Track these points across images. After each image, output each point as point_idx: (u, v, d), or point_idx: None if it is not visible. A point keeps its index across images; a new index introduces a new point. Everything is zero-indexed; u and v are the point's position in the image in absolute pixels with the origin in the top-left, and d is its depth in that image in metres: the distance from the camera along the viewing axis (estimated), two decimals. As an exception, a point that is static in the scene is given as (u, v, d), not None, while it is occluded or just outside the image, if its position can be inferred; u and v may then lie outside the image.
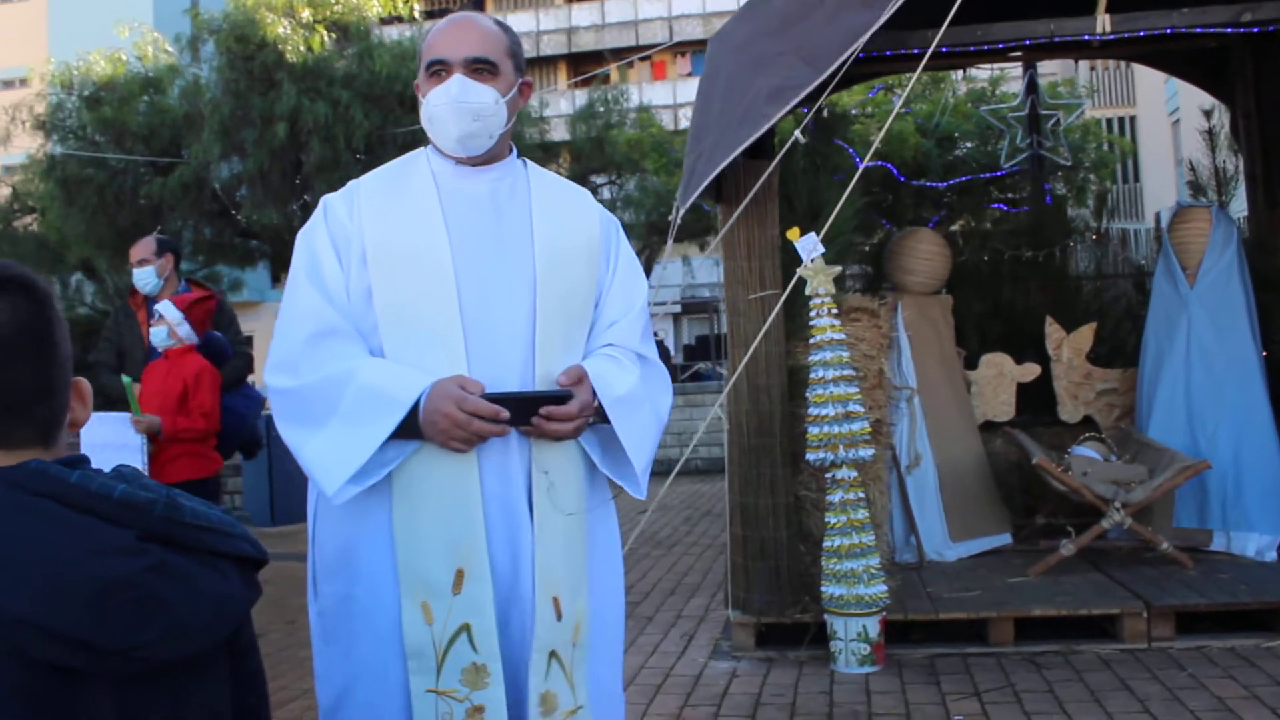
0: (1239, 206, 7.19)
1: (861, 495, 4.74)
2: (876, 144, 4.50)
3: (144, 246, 5.18)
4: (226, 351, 5.38)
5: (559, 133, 21.52)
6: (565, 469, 2.14)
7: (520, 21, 37.48)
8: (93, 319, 17.41)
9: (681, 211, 4.65)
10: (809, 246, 4.75)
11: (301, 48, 14.76)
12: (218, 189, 16.22)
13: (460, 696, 2.00)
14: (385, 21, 16.88)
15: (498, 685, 2.01)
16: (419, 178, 2.19)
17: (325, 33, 15.14)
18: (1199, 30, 5.27)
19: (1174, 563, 5.40)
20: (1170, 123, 24.66)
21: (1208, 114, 7.38)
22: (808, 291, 4.78)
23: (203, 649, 1.27)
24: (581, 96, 23.92)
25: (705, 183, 4.45)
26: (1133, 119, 28.15)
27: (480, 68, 2.14)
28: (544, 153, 20.02)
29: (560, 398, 2.04)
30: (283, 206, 15.69)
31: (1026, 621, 4.88)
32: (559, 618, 2.08)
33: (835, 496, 4.71)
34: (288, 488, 10.83)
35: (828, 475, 4.77)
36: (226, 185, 16.27)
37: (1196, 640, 4.73)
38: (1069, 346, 6.72)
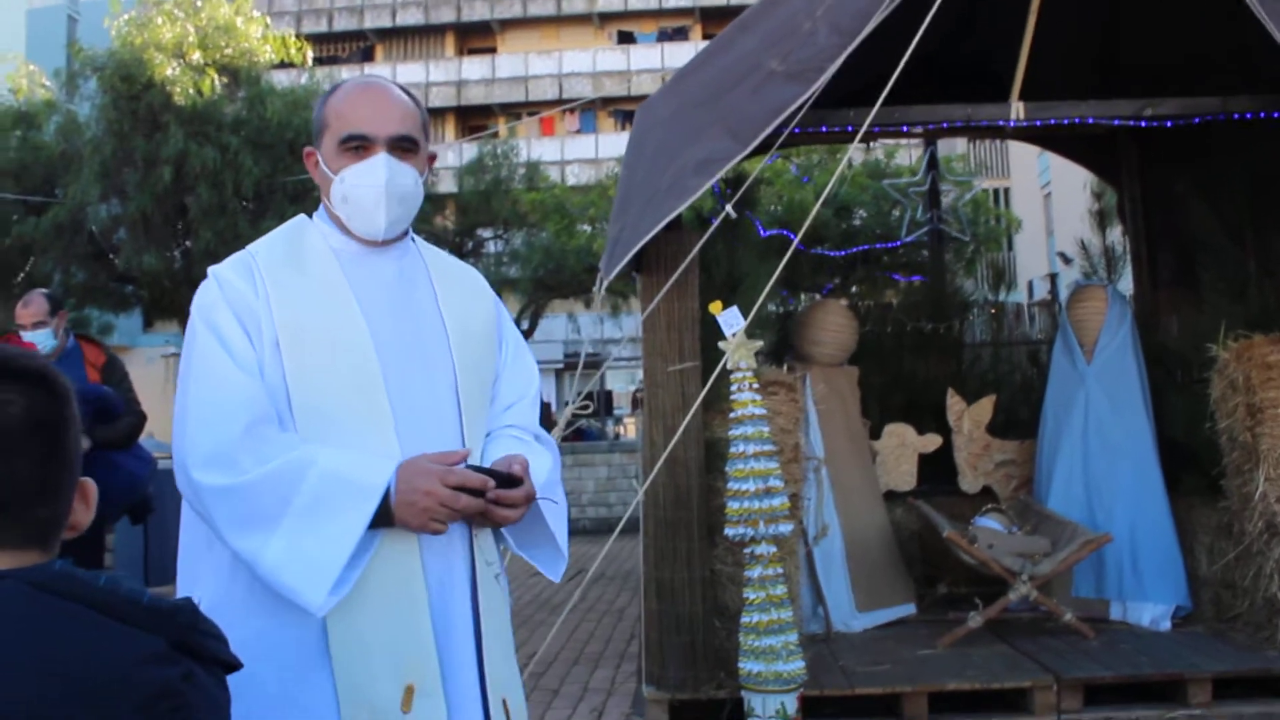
0: (1125, 286, 7.49)
1: (780, 571, 4.70)
2: (808, 223, 4.53)
3: (37, 307, 4.91)
4: (116, 408, 5.14)
5: (445, 185, 21.38)
6: (495, 558, 2.05)
7: (410, 72, 37.33)
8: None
9: (606, 282, 4.61)
10: (731, 320, 4.74)
11: (190, 90, 14.36)
12: (95, 231, 15.62)
13: None
14: (277, 67, 16.57)
15: None
16: (319, 256, 2.00)
17: (216, 76, 14.79)
18: (1093, 120, 5.48)
19: (1076, 633, 5.51)
20: (1042, 195, 25.75)
21: (1098, 195, 7.69)
22: (729, 365, 4.76)
23: None
24: (469, 149, 23.86)
25: (631, 253, 4.42)
26: (1007, 190, 29.34)
27: (404, 147, 2.02)
28: (431, 205, 19.88)
29: (511, 480, 1.92)
30: (164, 252, 15.16)
31: (938, 694, 4.90)
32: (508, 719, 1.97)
33: (754, 572, 4.67)
34: (164, 546, 10.35)
35: (746, 550, 4.72)
36: (104, 228, 15.67)
37: (1102, 712, 4.82)
38: (970, 418, 6.87)
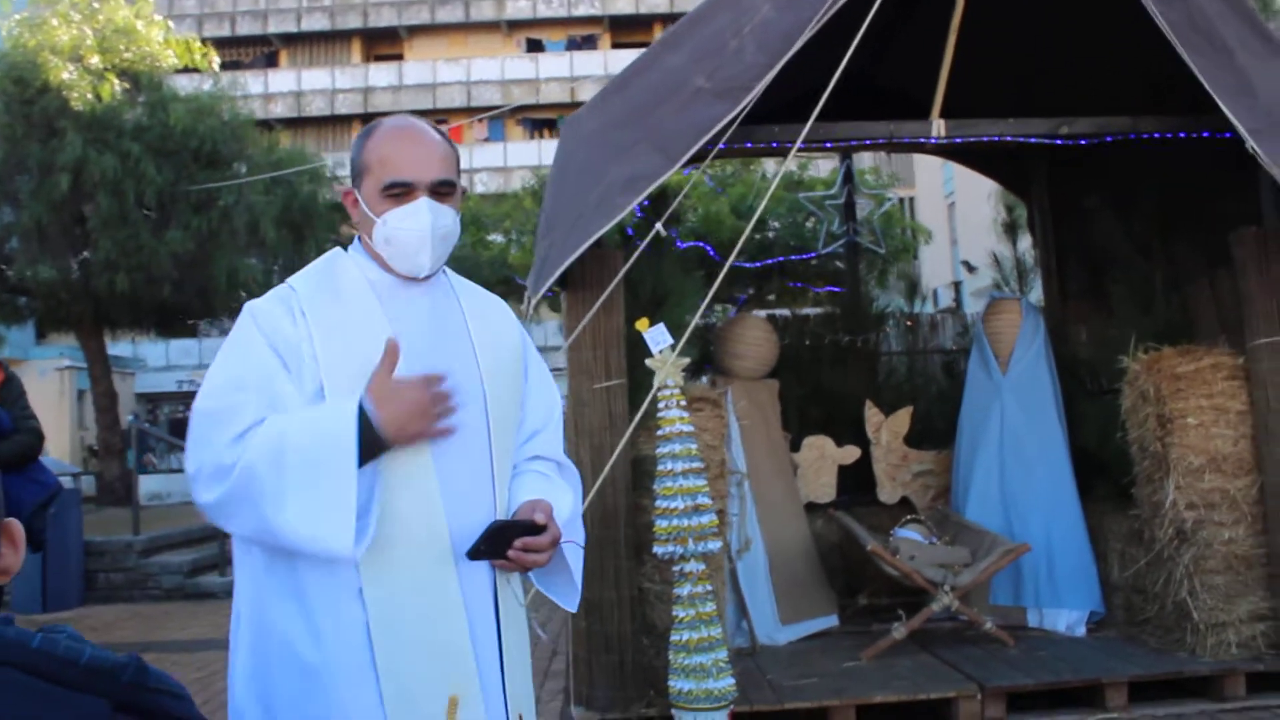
0: (1035, 297, 7.66)
1: (709, 588, 4.70)
2: (741, 244, 4.53)
3: None
4: (2, 425, 4.91)
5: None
6: (520, 596, 2.16)
7: (315, 79, 36.75)
8: None
9: (535, 301, 4.56)
10: (658, 338, 4.72)
11: (89, 95, 13.87)
12: (-15, 241, 15.01)
13: None
14: (180, 72, 16.12)
15: None
16: (356, 288, 2.08)
17: (115, 81, 14.31)
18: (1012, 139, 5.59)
19: (996, 641, 5.61)
20: (946, 205, 26.31)
21: (1010, 208, 7.86)
22: (656, 383, 4.74)
23: None
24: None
25: (559, 271, 4.38)
26: (912, 200, 29.91)
27: (444, 191, 2.07)
28: (337, 213, 19.54)
29: (535, 528, 2.02)
30: (61, 263, 14.61)
31: (865, 705, 4.94)
32: None
33: (683, 590, 4.65)
34: (62, 572, 9.99)
35: (675, 569, 4.71)
36: (-5, 237, 15.06)
37: (1025, 718, 4.91)
38: (888, 429, 6.95)
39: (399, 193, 2.04)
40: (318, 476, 1.83)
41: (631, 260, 4.54)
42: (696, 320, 7.00)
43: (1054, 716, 4.93)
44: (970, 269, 22.47)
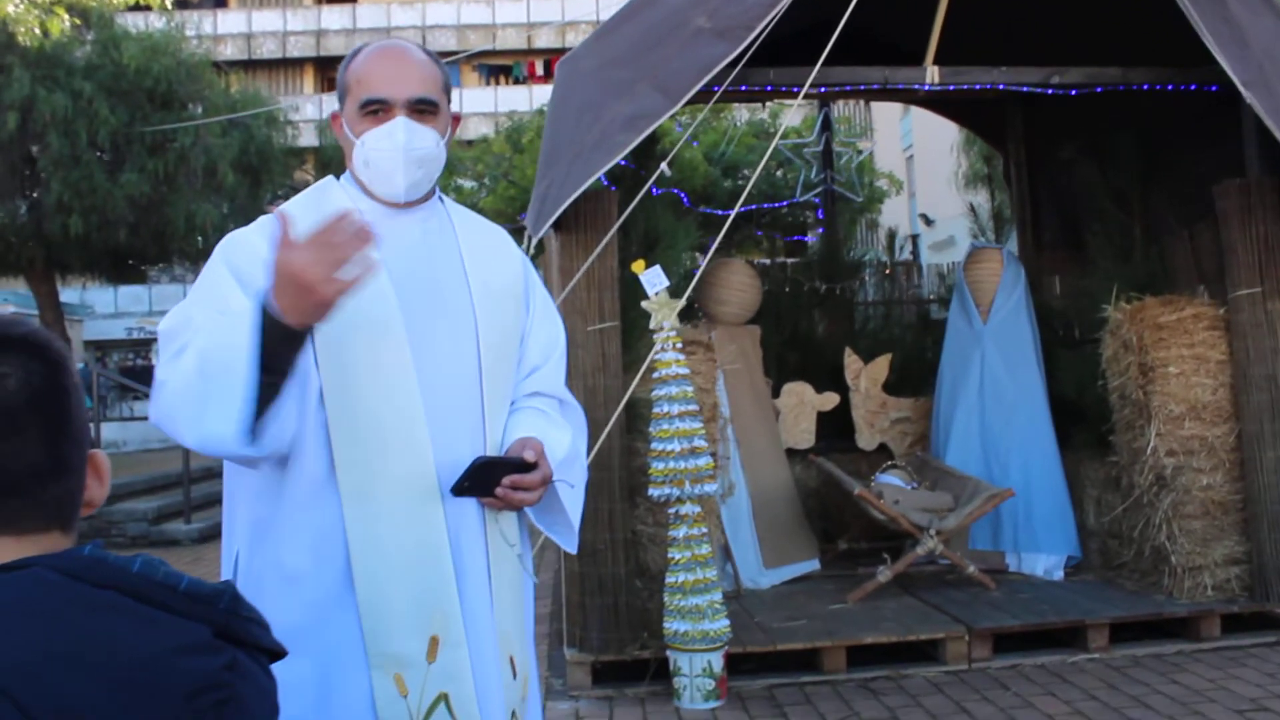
0: (1011, 248, 7.71)
1: (704, 530, 4.73)
2: (743, 199, 4.50)
3: None
4: None
5: (306, 138, 20.61)
6: (515, 531, 2.10)
7: (267, 20, 35.94)
8: None
9: (536, 240, 4.52)
10: (654, 279, 4.70)
11: (36, 30, 13.42)
12: (-73, 182, 14.53)
13: None
14: (131, 9, 15.65)
15: None
16: None
17: (65, 16, 13.86)
18: (1000, 87, 5.59)
19: (977, 584, 5.70)
20: (904, 157, 26.37)
21: (988, 159, 7.88)
22: (653, 325, 4.73)
23: None
24: (329, 101, 23.03)
25: (563, 207, 4.34)
26: (871, 152, 29.93)
27: (423, 109, 2.01)
28: (293, 158, 19.15)
29: (524, 466, 1.96)
30: (9, 204, 14.22)
31: (854, 647, 5.01)
32: (514, 676, 2.04)
33: (679, 532, 4.68)
34: None
35: (671, 511, 4.72)
36: (-62, 178, 14.58)
37: (1010, 659, 5.01)
38: (867, 376, 7.00)
39: (375, 110, 1.98)
40: (215, 374, 1.70)
41: (635, 202, 4.50)
42: (692, 266, 7.02)
43: (1037, 657, 5.03)
44: (928, 222, 22.58)
